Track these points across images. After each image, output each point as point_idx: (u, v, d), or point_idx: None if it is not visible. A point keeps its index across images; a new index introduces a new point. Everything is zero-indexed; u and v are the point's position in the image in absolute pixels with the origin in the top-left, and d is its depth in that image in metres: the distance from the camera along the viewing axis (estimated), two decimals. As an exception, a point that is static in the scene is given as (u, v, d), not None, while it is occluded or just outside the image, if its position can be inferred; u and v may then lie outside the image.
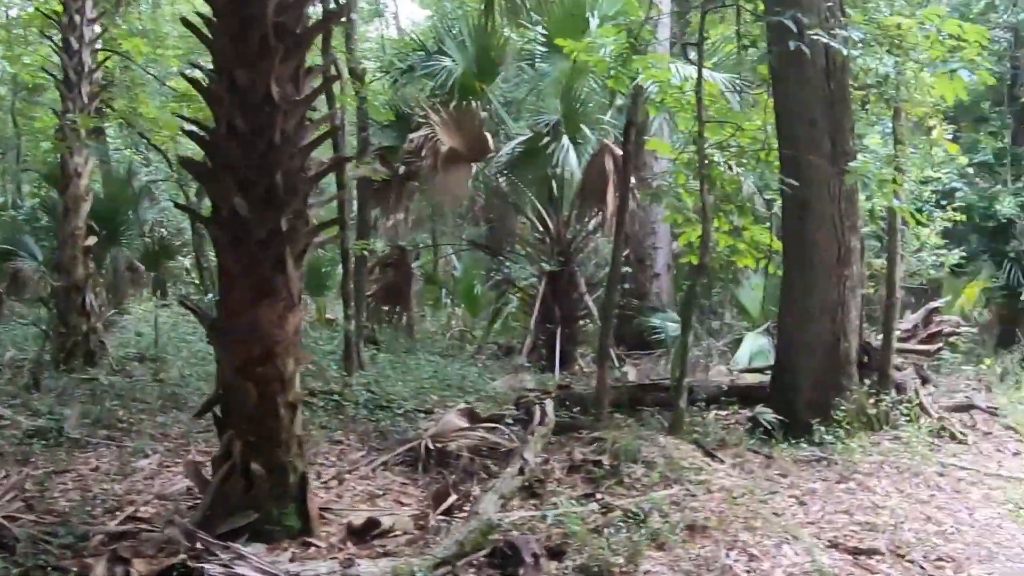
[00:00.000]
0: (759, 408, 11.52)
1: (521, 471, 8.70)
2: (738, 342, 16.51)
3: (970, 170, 22.38)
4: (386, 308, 22.02)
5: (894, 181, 10.91)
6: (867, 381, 12.37)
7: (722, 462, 9.66)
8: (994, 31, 22.18)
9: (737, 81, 15.75)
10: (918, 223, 13.94)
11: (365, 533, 7.70)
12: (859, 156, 11.77)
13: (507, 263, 20.80)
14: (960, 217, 19.05)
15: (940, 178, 21.53)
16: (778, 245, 12.32)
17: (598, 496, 8.50)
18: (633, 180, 15.44)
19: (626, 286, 17.98)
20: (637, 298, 18.32)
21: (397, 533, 7.77)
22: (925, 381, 15.45)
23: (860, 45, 11.07)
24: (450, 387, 15.02)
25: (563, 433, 10.71)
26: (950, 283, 20.80)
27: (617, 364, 16.30)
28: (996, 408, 14.53)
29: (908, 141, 13.24)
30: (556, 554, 7.04)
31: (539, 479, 9.01)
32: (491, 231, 25.71)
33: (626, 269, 17.81)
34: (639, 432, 10.01)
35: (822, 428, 11.02)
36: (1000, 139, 23.26)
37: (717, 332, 18.15)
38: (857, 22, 11.18)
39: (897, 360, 14.41)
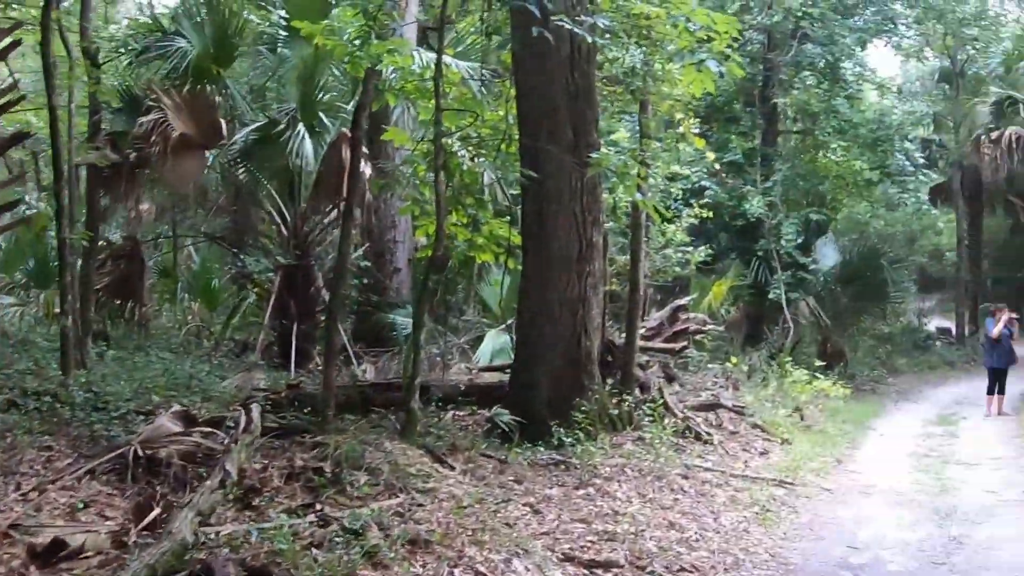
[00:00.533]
0: (496, 409, 11.26)
1: (222, 483, 8.02)
2: (481, 339, 16.25)
3: (719, 168, 22.99)
4: (118, 302, 20.73)
5: (639, 175, 10.76)
6: (610, 380, 12.33)
7: (452, 468, 9.24)
8: (748, 32, 22.90)
9: (482, 70, 15.46)
10: (662, 218, 14.00)
11: (50, 556, 6.88)
12: (604, 149, 11.64)
13: (242, 256, 19.94)
14: (707, 214, 19.49)
15: (690, 176, 22.08)
16: (518, 239, 12.04)
17: (317, 507, 7.95)
18: (370, 170, 14.96)
19: (365, 281, 17.49)
20: (377, 293, 17.81)
21: (89, 554, 6.98)
22: (672, 379, 15.65)
23: (608, 35, 10.93)
24: (178, 387, 14.08)
25: (287, 437, 10.02)
26: (698, 281, 21.30)
27: (356, 362, 15.76)
28: (743, 407, 14.84)
29: (655, 135, 13.25)
30: (260, 575, 6.46)
31: (255, 488, 8.37)
32: (233, 223, 24.67)
33: (366, 264, 17.33)
34: (363, 436, 9.46)
35: (561, 430, 10.80)
36: (750, 139, 24.01)
37: (459, 329, 17.85)
38: (604, 10, 11.01)
39: (642, 358, 14.50)
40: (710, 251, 20.45)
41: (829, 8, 23.40)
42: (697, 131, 14.49)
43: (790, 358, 19.69)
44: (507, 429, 10.91)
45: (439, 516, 7.87)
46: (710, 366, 17.94)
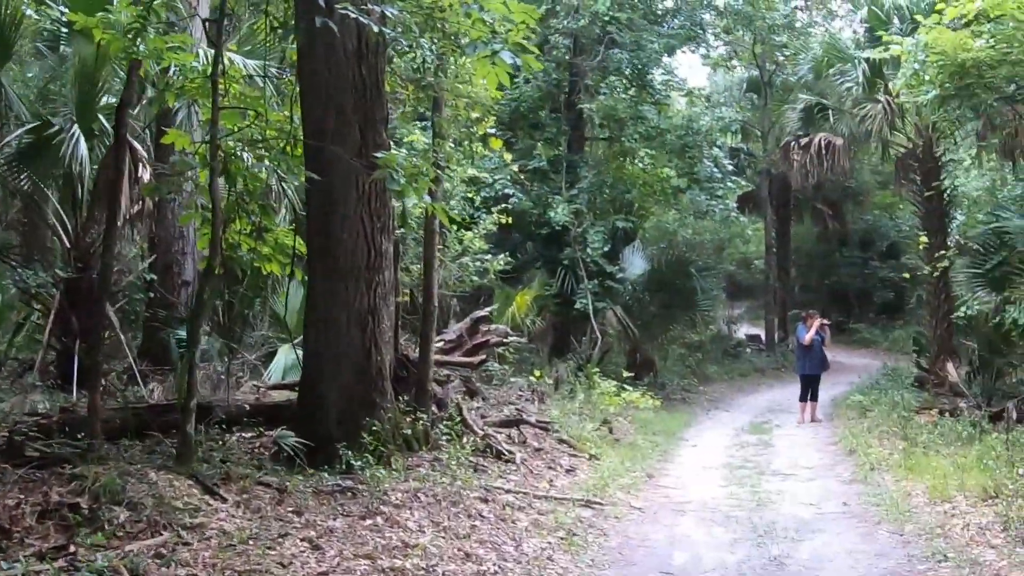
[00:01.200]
0: (280, 431, 10.62)
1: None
2: (274, 355, 15.53)
3: (523, 175, 22.81)
4: None
5: (431, 178, 10.26)
6: (405, 397, 11.82)
7: (224, 500, 8.54)
8: (554, 37, 22.79)
9: (269, 67, 14.75)
10: (457, 225, 13.56)
11: None
12: (396, 151, 11.13)
13: (19, 270, 18.65)
14: (505, 220, 19.22)
15: (494, 183, 21.80)
16: (305, 248, 11.43)
17: (71, 549, 7.19)
18: (148, 175, 14.13)
19: (152, 295, 16.54)
20: (165, 308, 16.87)
21: None
22: (474, 394, 15.28)
23: (400, 28, 10.45)
24: (-56, 413, 12.95)
25: (48, 468, 9.20)
26: (502, 291, 21.01)
27: (142, 382, 14.83)
28: (548, 422, 14.55)
29: (450, 136, 12.82)
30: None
31: (4, 529, 7.54)
32: (21, 234, 23.15)
33: (152, 277, 16.40)
34: (126, 466, 8.69)
35: (350, 452, 10.22)
36: (556, 146, 23.85)
37: (252, 345, 17.06)
38: (394, 1, 10.53)
39: (442, 373, 14.06)
40: (510, 259, 20.13)
41: (637, 14, 23.56)
42: (493, 132, 14.01)
43: (598, 369, 19.61)
44: (292, 453, 10.27)
45: (205, 556, 7.25)
46: (514, 379, 17.65)
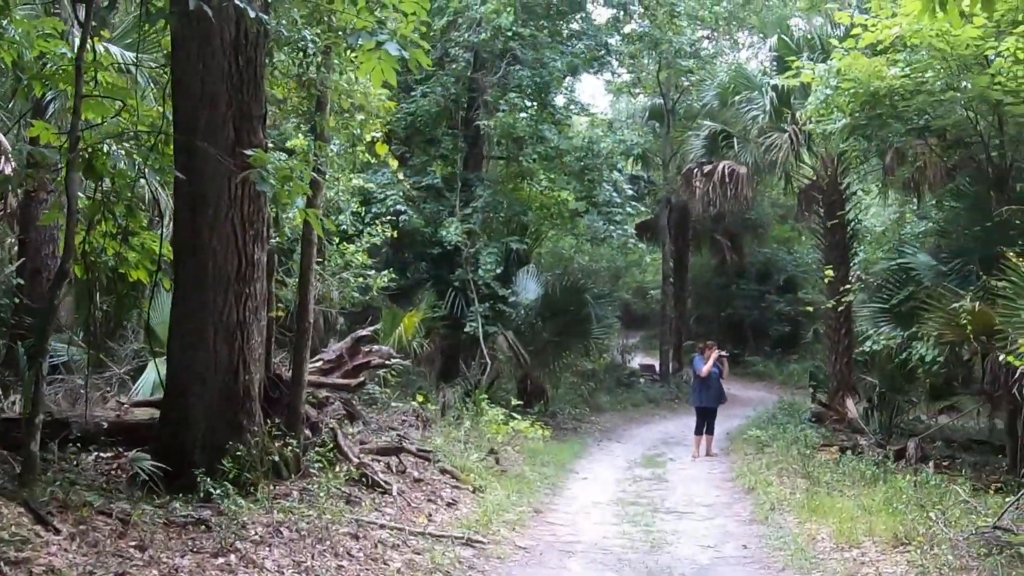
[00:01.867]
0: (135, 453, 9.81)
1: None
2: (144, 369, 14.59)
3: (417, 192, 22.18)
4: None
5: (307, 182, 9.51)
6: (276, 420, 11.04)
7: (58, 531, 7.67)
8: (455, 50, 22.21)
9: (150, 62, 13.91)
10: (329, 233, 12.76)
11: None
12: (276, 154, 10.41)
13: None
14: (390, 233, 18.57)
15: (385, 198, 21.12)
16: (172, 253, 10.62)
17: None
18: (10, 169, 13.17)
19: (18, 301, 15.51)
20: (33, 315, 15.84)
21: None
22: (355, 419, 14.56)
23: (284, 20, 9.77)
24: None
25: None
26: (389, 310, 20.29)
27: (2, 394, 13.80)
28: (429, 451, 13.85)
29: (334, 139, 12.11)
30: None
31: None
32: None
33: (19, 282, 15.41)
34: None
35: (209, 479, 9.40)
36: (451, 164, 23.23)
37: (123, 357, 16.07)
38: (280, -9, 9.87)
39: (321, 395, 13.33)
40: (394, 276, 19.34)
41: (543, 33, 23.08)
42: (379, 136, 13.26)
43: (486, 396, 18.95)
44: (148, 478, 9.44)
45: (30, 596, 6.41)
46: (395, 404, 16.95)
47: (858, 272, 22.25)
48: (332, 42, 10.00)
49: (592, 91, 75.12)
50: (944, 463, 16.26)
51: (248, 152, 8.96)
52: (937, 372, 16.08)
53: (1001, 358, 12.35)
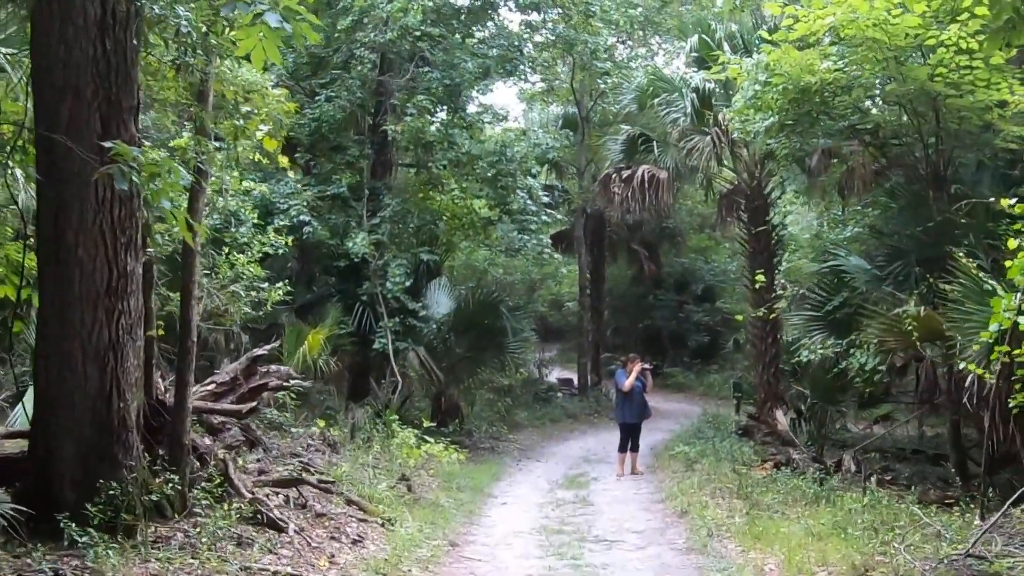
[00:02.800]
0: (-3, 494, 8.55)
1: None
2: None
3: (322, 203, 21.03)
4: None
5: (177, 180, 8.28)
6: (159, 452, 9.88)
7: None
8: (360, 51, 21.11)
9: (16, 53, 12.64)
10: (229, 247, 11.60)
11: None
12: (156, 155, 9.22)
13: None
14: (286, 243, 17.41)
15: (288, 209, 19.98)
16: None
17: None
18: None
19: None
20: None
21: None
22: (254, 445, 13.44)
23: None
24: None
25: None
26: (293, 328, 19.11)
27: None
28: (332, 481, 12.71)
29: (216, 132, 10.93)
30: None
31: None
32: None
33: None
34: None
35: (75, 523, 8.20)
36: (358, 172, 22.05)
37: (4, 383, 14.76)
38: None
39: (216, 420, 12.20)
40: (290, 290, 18.01)
41: (453, 37, 22.04)
42: (267, 131, 12.04)
43: (397, 416, 17.86)
44: (8, 523, 8.22)
45: None
46: (296, 429, 15.78)
47: (782, 280, 21.60)
48: (211, 20, 8.88)
49: (504, 101, 74.29)
50: (886, 476, 15.55)
51: (107, 144, 7.79)
52: (878, 381, 15.29)
53: (962, 366, 11.52)
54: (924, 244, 15.22)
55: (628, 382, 19.16)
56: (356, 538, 10.92)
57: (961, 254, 12.52)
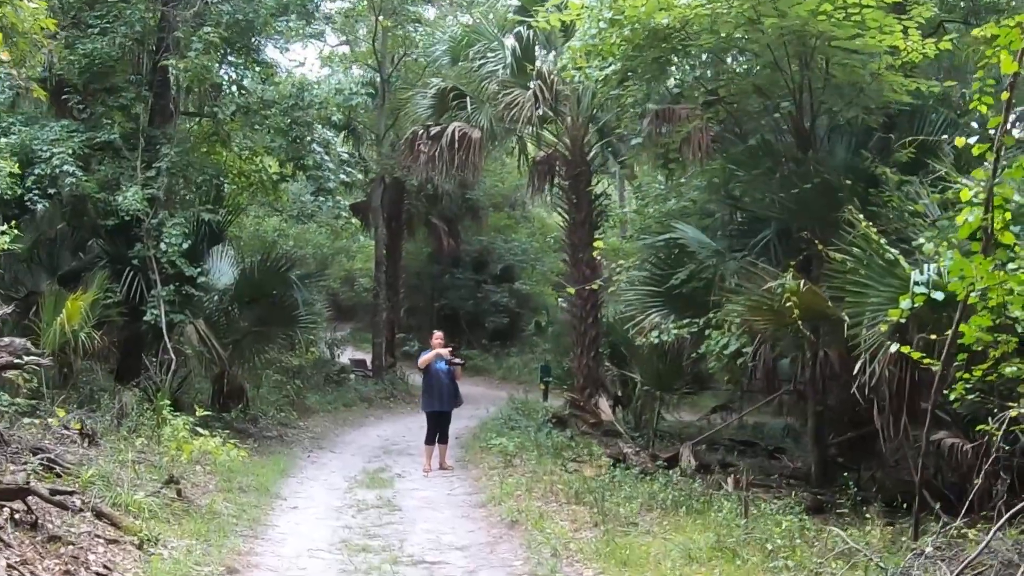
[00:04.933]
0: None
1: None
2: None
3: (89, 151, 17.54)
4: None
5: None
6: None
7: None
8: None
9: None
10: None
11: None
12: None
13: None
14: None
15: (51, 157, 16.54)
16: None
17: None
18: None
19: None
20: None
21: None
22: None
23: None
24: None
25: None
26: (52, 295, 15.66)
27: None
28: (71, 491, 9.56)
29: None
30: None
31: None
32: None
33: None
34: None
35: None
36: (134, 117, 18.55)
37: None
38: None
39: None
40: (19, 233, 14.31)
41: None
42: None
43: (170, 402, 14.68)
44: None
45: None
46: (51, 420, 12.47)
47: (599, 256, 19.29)
48: None
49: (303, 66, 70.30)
50: (734, 473, 13.39)
51: None
52: (741, 366, 12.92)
53: (894, 348, 9.25)
54: (792, 211, 13.03)
55: (425, 357, 16.48)
56: (101, 570, 7.90)
57: (860, 217, 10.33)
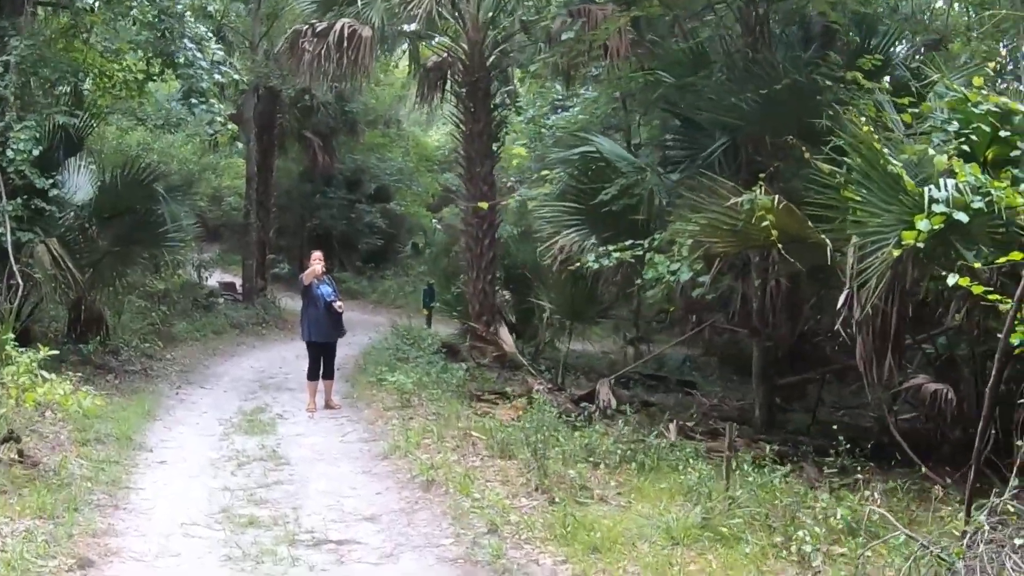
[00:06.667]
0: None
1: None
2: None
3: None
4: None
5: None
6: None
7: None
8: None
9: None
10: None
11: None
12: None
13: None
14: None
15: None
16: None
17: None
18: None
19: None
20: None
21: None
22: None
23: None
24: None
25: None
26: None
27: None
28: None
29: None
30: None
31: None
32: None
33: None
34: None
35: None
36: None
37: None
38: None
39: None
40: None
41: None
42: None
43: (14, 337, 12.15)
44: None
45: None
46: None
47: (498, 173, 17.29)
48: None
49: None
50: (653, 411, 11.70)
51: None
52: (697, 296, 11.02)
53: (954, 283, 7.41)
54: (752, 119, 11.15)
55: (305, 274, 14.30)
56: None
57: (862, 120, 8.51)
